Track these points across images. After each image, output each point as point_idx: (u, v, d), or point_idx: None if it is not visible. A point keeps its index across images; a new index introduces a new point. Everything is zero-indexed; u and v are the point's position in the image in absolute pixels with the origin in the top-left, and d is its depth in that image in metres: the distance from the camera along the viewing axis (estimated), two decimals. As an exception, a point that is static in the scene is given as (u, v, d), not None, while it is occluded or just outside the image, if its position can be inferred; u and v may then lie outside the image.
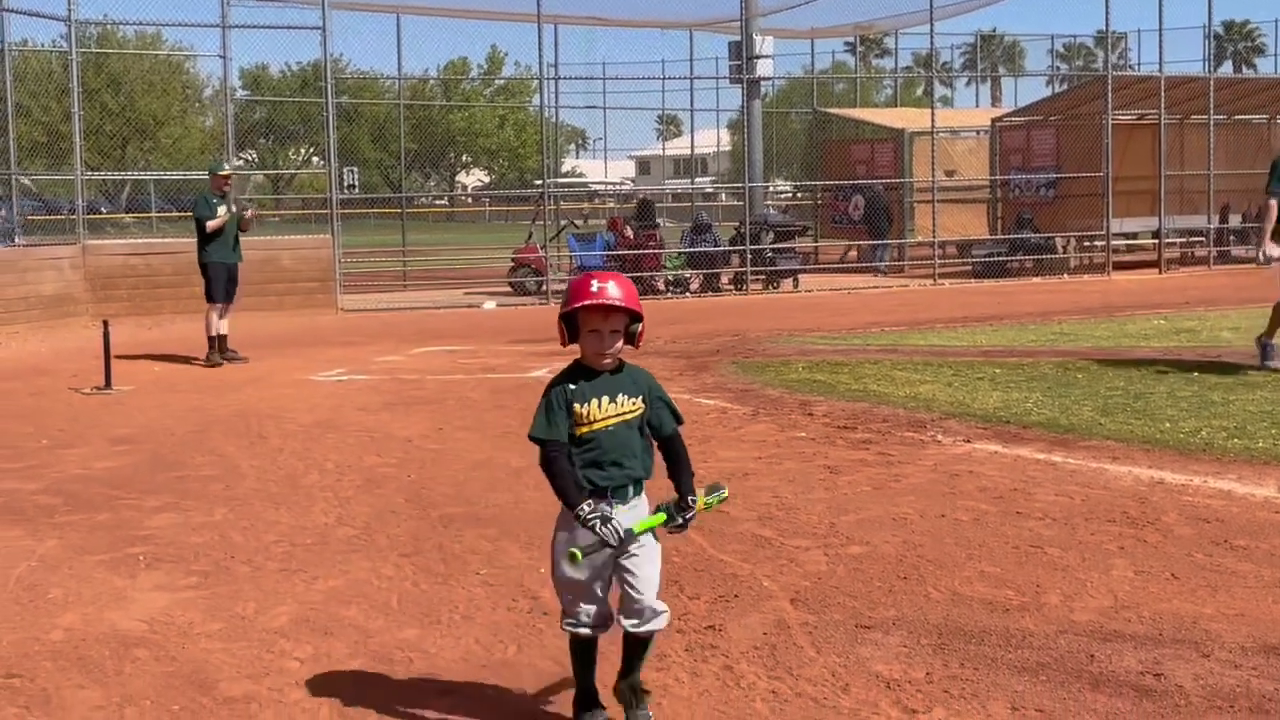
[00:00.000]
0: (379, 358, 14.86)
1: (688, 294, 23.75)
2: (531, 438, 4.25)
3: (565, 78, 25.99)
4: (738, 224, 25.05)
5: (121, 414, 11.23)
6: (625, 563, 4.28)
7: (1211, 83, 27.28)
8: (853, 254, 29.58)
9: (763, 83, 26.14)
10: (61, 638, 5.44)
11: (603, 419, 4.23)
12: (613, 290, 4.16)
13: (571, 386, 4.22)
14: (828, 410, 10.39)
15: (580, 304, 4.15)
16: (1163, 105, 26.01)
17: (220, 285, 14.74)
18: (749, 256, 24.11)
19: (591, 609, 4.29)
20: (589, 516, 4.13)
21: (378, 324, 19.38)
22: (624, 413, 4.26)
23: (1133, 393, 10.66)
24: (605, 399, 4.23)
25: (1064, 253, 27.00)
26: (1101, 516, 6.90)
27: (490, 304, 22.55)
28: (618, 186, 42.69)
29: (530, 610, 5.67)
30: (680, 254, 24.35)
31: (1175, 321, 16.52)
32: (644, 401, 4.33)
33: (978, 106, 40.62)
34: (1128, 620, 5.33)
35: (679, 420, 4.47)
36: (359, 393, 12.15)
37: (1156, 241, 27.05)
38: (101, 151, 40.09)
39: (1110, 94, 25.30)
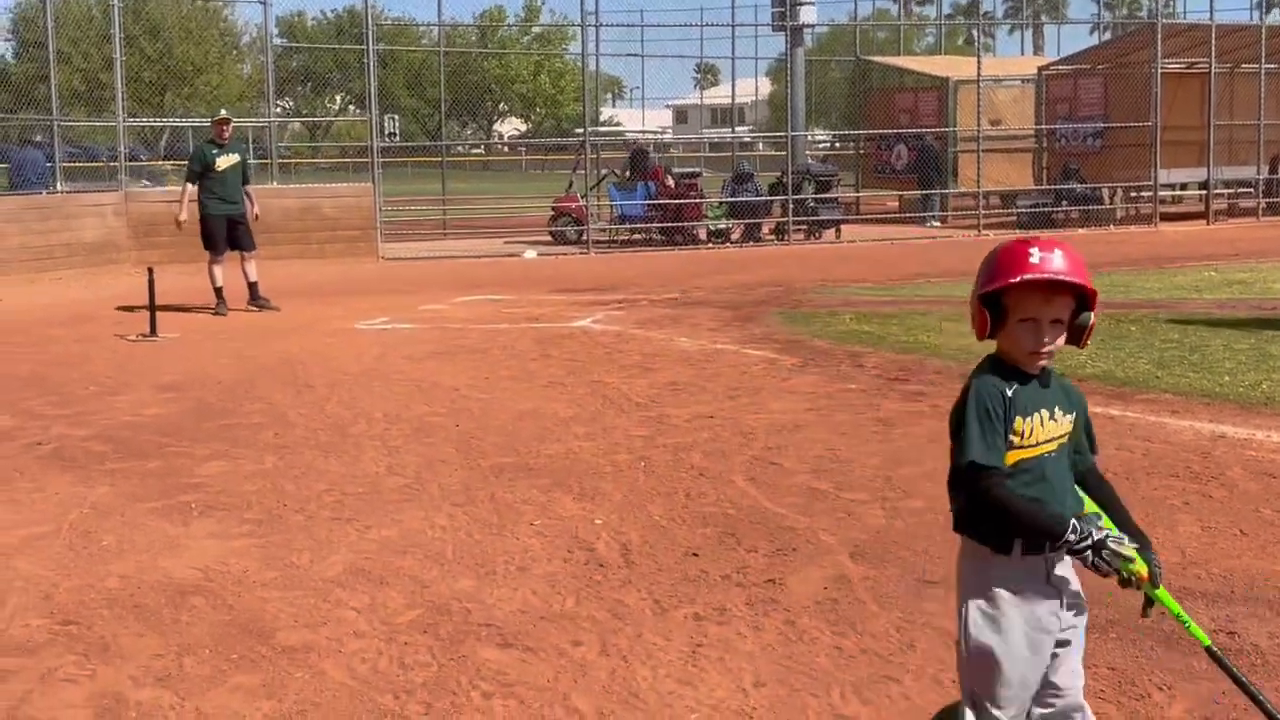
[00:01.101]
0: (422, 306, 14.80)
1: (729, 244, 23.58)
2: (970, 464, 3.02)
3: (605, 25, 25.68)
4: (779, 173, 24.82)
5: (167, 361, 11.22)
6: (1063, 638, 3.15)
7: (1264, 31, 26.78)
8: (892, 204, 29.30)
9: (805, 30, 25.82)
10: (117, 585, 5.41)
11: (1046, 441, 3.09)
12: (1059, 262, 2.97)
13: (1009, 392, 3.05)
14: (878, 362, 10.27)
15: (1015, 279, 2.97)
16: (1213, 54, 25.56)
17: (219, 238, 14.63)
18: (791, 206, 23.90)
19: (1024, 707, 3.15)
20: (1106, 544, 2.99)
21: (419, 273, 19.32)
22: (1062, 435, 3.13)
23: (1188, 345, 10.50)
24: (1046, 413, 3.09)
25: (1110, 204, 26.65)
26: (1164, 471, 6.78)
27: (531, 253, 22.45)
28: (657, 135, 42.40)
29: (587, 562, 5.60)
30: (722, 203, 24.16)
31: (1226, 274, 16.27)
32: (1074, 422, 3.18)
33: (1022, 54, 40.08)
34: (1197, 577, 5.22)
35: (1095, 449, 3.32)
36: (403, 341, 12.10)
37: (1203, 193, 26.66)
38: (140, 99, 40.09)
39: (1160, 42, 24.87)
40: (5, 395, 9.65)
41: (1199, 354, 10.07)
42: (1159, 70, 24.94)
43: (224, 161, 14.63)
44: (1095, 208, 26.14)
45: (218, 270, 14.57)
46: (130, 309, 14.15)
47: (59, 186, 19.81)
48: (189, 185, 14.70)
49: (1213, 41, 25.51)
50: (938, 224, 26.39)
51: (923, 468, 7.00)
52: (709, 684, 4.33)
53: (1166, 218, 25.96)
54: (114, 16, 20.29)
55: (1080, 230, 25.12)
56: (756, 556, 5.63)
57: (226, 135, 14.81)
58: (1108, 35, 38.97)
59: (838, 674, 4.40)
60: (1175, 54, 26.41)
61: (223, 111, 15.20)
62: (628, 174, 24.65)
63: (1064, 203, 25.98)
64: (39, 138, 21.58)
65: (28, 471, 7.36)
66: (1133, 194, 26.96)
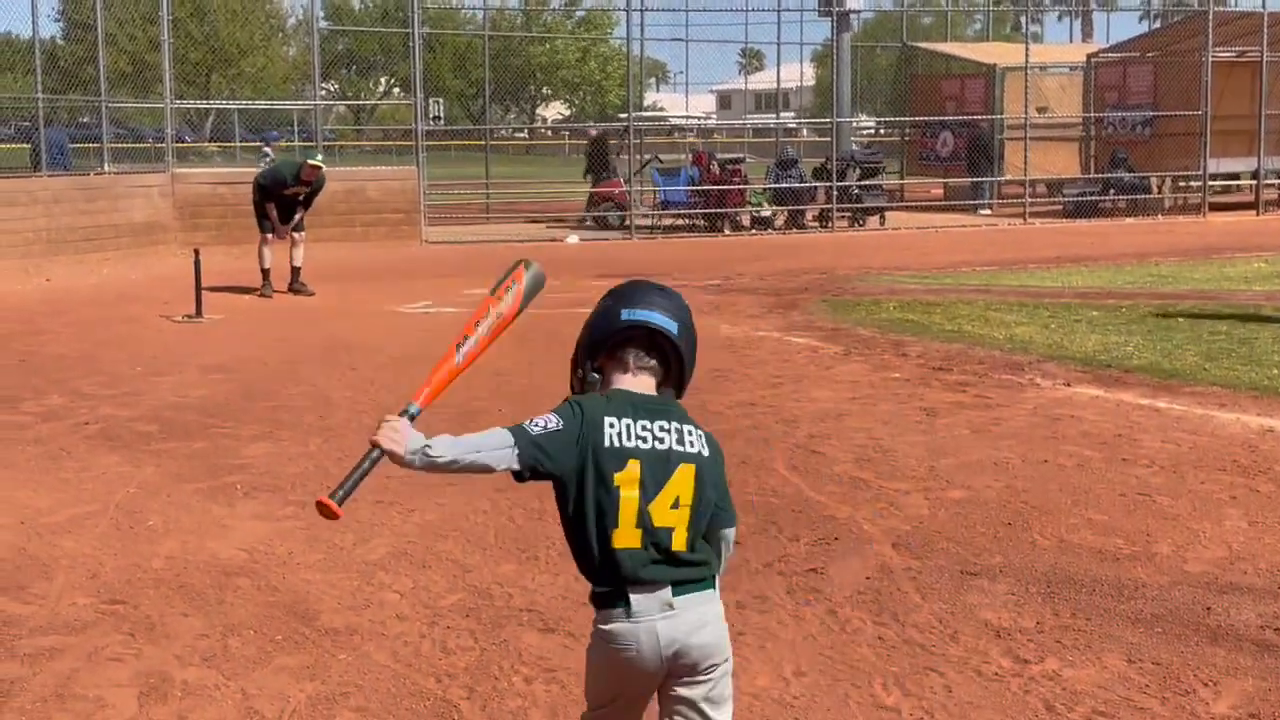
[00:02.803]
0: (465, 290, 14.80)
1: (771, 230, 23.51)
2: None
3: (650, 9, 25.62)
4: (823, 159, 24.72)
5: (213, 342, 11.30)
6: None
7: (1317, 19, 26.41)
8: (937, 192, 29.12)
9: (851, 16, 25.68)
10: (163, 565, 5.47)
11: None
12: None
13: None
14: (922, 351, 10.22)
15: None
16: (1265, 42, 25.24)
17: (271, 217, 14.71)
18: (835, 193, 23.80)
19: None
20: None
21: (462, 256, 19.36)
22: None
23: (1237, 337, 10.39)
24: None
25: (1158, 193, 26.38)
26: (1211, 465, 6.72)
27: (574, 238, 22.45)
28: (700, 121, 42.31)
29: (628, 548, 5.60)
30: (766, 189, 24.09)
31: (1276, 265, 16.08)
32: None
33: (1070, 42, 39.73)
34: (1244, 572, 5.18)
35: None
36: (447, 325, 12.11)
37: (1254, 183, 26.35)
38: (186, 80, 40.34)
39: (1211, 30, 24.58)
40: (54, 375, 9.75)
41: (1247, 346, 9.96)
42: (1210, 59, 24.66)
43: (295, 190, 14.67)
44: (1143, 197, 25.88)
45: (267, 252, 14.66)
46: (175, 290, 14.26)
47: (106, 167, 19.96)
48: (268, 205, 14.72)
49: (1264, 30, 25.17)
50: (988, 211, 26.19)
51: (966, 458, 6.97)
52: (750, 672, 4.33)
53: (1215, 208, 25.68)
54: (162, -1, 20.40)
55: (1128, 220, 24.90)
56: (798, 545, 5.62)
57: (308, 179, 14.80)
58: (1158, 23, 38.55)
59: (879, 664, 4.39)
60: (1226, 42, 26.10)
61: (319, 157, 15.24)
62: (585, 170, 24.63)
63: (1111, 191, 25.74)
64: (59, 119, 21.74)
65: (75, 451, 7.43)
66: (1181, 183, 26.67)
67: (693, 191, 23.63)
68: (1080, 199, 25.82)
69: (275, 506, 6.31)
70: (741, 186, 23.88)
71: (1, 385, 9.38)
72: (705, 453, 2.97)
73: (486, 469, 2.92)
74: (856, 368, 9.67)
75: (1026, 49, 25.88)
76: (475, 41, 33.42)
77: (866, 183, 24.42)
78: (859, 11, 26.88)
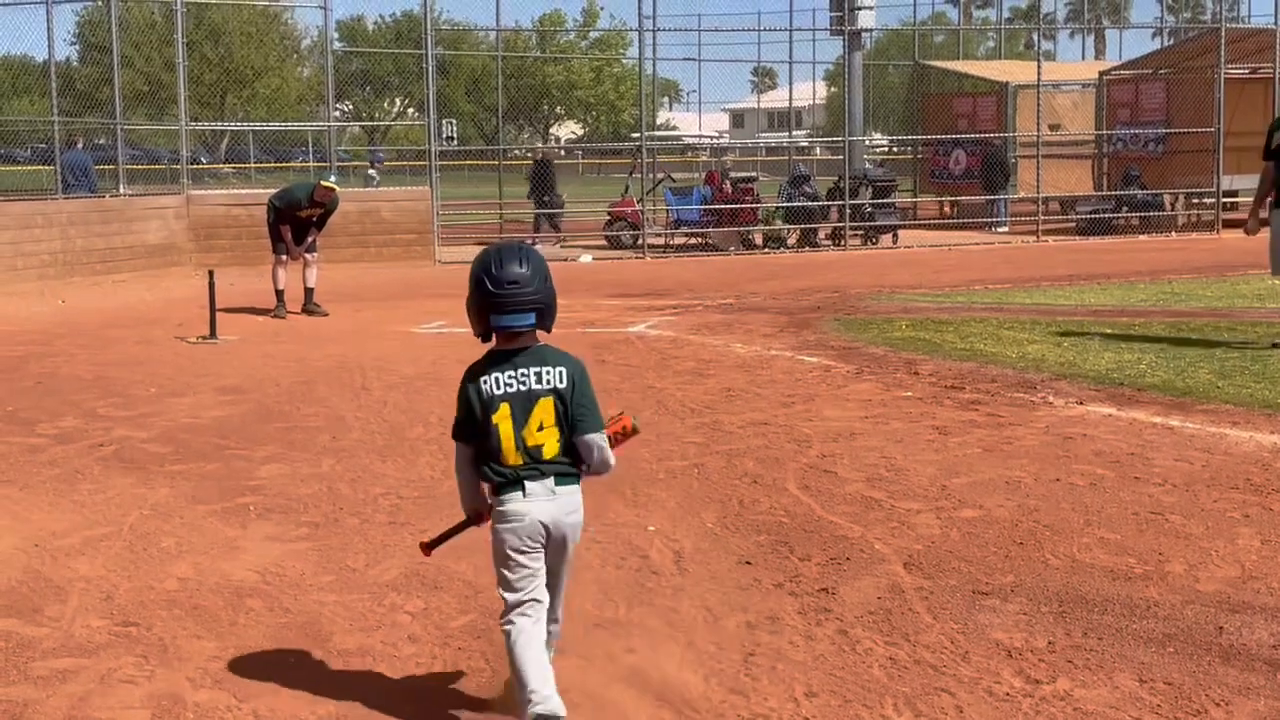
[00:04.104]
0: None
1: (784, 249, 23.53)
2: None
3: (663, 29, 25.69)
4: (836, 178, 24.74)
5: (227, 363, 11.34)
6: None
7: (1330, 36, 26.39)
8: (949, 209, 29.12)
9: (863, 34, 25.72)
10: (176, 587, 5.48)
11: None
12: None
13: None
14: (934, 369, 10.22)
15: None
16: (1278, 59, 25.22)
17: (285, 238, 14.76)
18: (848, 211, 23.81)
19: None
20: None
21: (475, 276, 19.38)
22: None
23: (1250, 355, 10.37)
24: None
25: (1171, 210, 26.34)
26: (1224, 483, 6.70)
27: (586, 257, 22.50)
28: (713, 140, 42.38)
29: (639, 569, 5.62)
30: (779, 208, 24.11)
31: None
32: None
33: (1083, 59, 39.73)
34: (1256, 591, 5.16)
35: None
36: (460, 345, 12.13)
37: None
38: (201, 101, 40.52)
39: (1224, 47, 24.58)
40: (69, 396, 9.79)
41: (1260, 364, 9.94)
42: (1222, 75, 24.65)
43: (309, 212, 14.73)
44: (1156, 214, 25.84)
45: (281, 272, 14.71)
46: (190, 311, 14.31)
47: (121, 189, 20.07)
48: (282, 228, 14.78)
49: (1278, 46, 25.17)
50: (1004, 229, 26.18)
51: (978, 477, 6.97)
52: (761, 693, 4.33)
53: (1229, 225, 25.61)
54: (177, 21, 20.54)
55: (1141, 237, 24.87)
56: (810, 565, 5.62)
57: (322, 200, 14.76)
58: (1170, 40, 38.55)
59: (891, 685, 4.38)
60: (1239, 59, 26.09)
61: (333, 179, 15.29)
62: (529, 190, 24.62)
63: (1124, 209, 25.72)
64: (79, 143, 21.84)
65: (89, 473, 7.46)
66: (1195, 200, 26.64)
67: (705, 210, 23.67)
68: (1093, 216, 25.81)
69: (288, 528, 6.33)
70: (754, 205, 23.91)
71: (17, 407, 9.43)
72: (561, 385, 3.99)
73: (469, 466, 4.11)
74: (868, 387, 9.67)
75: (1039, 66, 25.90)
76: (489, 63, 33.52)
77: (879, 201, 24.43)
78: (871, 30, 26.92)
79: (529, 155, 21.61)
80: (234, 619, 5.10)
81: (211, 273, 13.21)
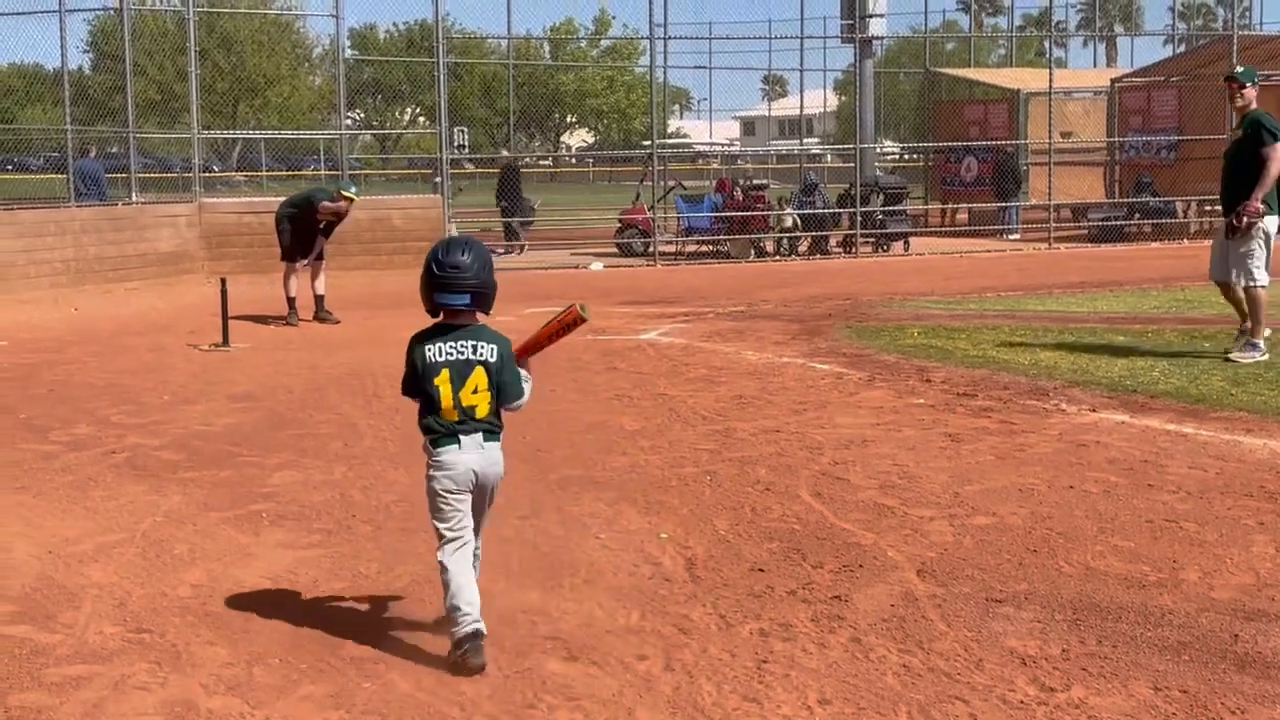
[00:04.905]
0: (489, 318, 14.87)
1: (795, 256, 23.53)
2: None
3: (674, 38, 25.73)
4: (847, 185, 24.74)
5: (239, 371, 11.36)
6: None
7: (1342, 42, 26.36)
8: (962, 217, 29.11)
9: (874, 42, 25.73)
10: (189, 594, 5.49)
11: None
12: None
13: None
14: (946, 377, 10.20)
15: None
16: (1290, 65, 25.19)
17: (294, 245, 14.78)
18: (859, 219, 23.80)
19: None
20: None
21: (486, 284, 19.39)
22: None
23: (1264, 362, 10.33)
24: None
25: (1183, 217, 26.29)
26: (1238, 490, 6.68)
27: (597, 265, 22.51)
28: (724, 147, 42.42)
29: (652, 576, 5.61)
30: (788, 215, 24.11)
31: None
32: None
33: (1094, 66, 39.70)
34: (1271, 599, 5.14)
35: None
36: (471, 352, 12.15)
37: None
38: (213, 110, 40.65)
39: (1236, 54, 24.53)
40: (82, 404, 9.82)
41: (1275, 371, 9.91)
42: (1234, 82, 24.58)
43: (323, 218, 14.72)
44: (1168, 221, 25.80)
45: (293, 280, 14.73)
46: (202, 319, 14.34)
47: (134, 197, 20.13)
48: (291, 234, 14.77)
49: (1290, 53, 25.14)
50: (1016, 236, 26.15)
51: (991, 484, 6.95)
52: (774, 700, 4.32)
53: (1242, 231, 25.54)
54: (189, 30, 20.62)
55: (1153, 244, 24.82)
56: (822, 573, 5.61)
57: (337, 208, 14.77)
58: (1182, 47, 38.50)
59: (904, 693, 4.37)
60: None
61: (353, 189, 15.29)
62: (497, 196, 24.56)
63: (1136, 216, 25.68)
64: (92, 151, 21.92)
65: (102, 480, 7.48)
66: (1207, 207, 26.58)
67: (716, 218, 23.68)
68: (1105, 223, 25.76)
69: (300, 535, 6.34)
70: (765, 212, 23.91)
71: (30, 414, 9.45)
72: (492, 359, 4.74)
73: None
74: (880, 394, 9.66)
75: (1050, 74, 25.87)
76: (500, 70, 33.61)
77: (890, 208, 24.41)
78: (882, 38, 26.92)
79: (496, 163, 21.42)
80: (247, 626, 5.10)
81: (224, 280, 13.24)
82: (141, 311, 16.14)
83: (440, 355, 4.72)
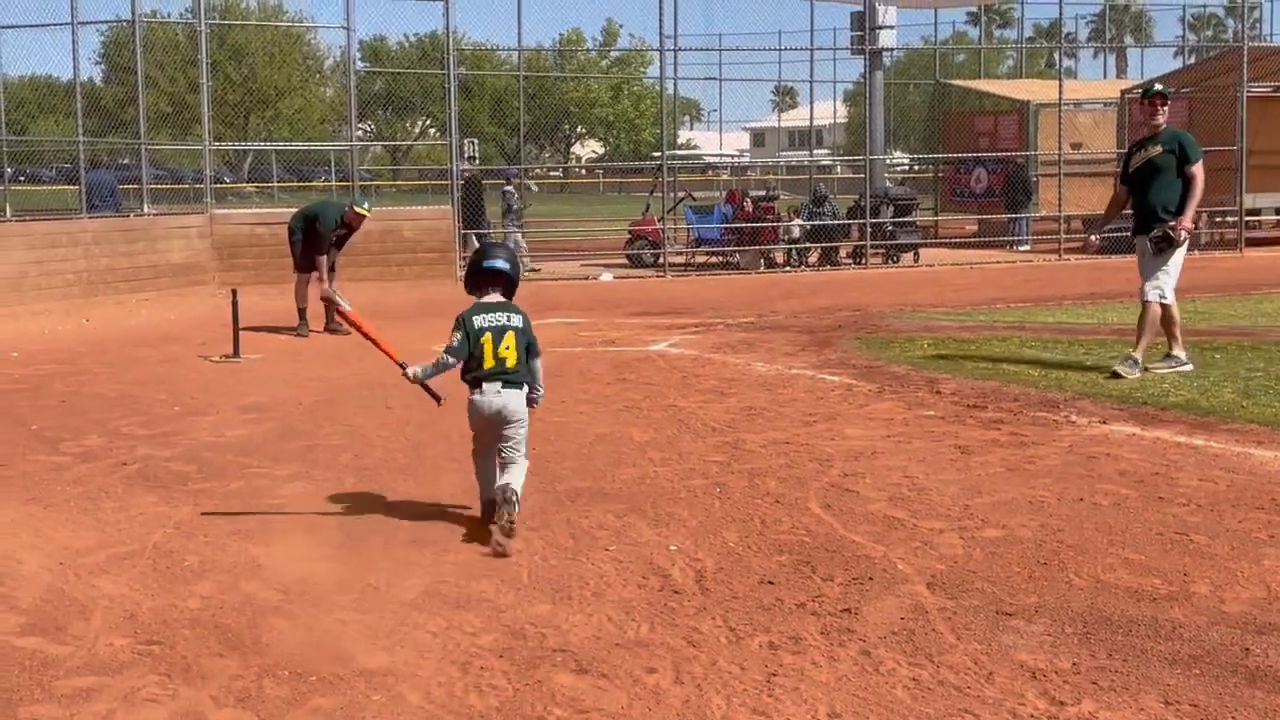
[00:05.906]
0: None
1: (805, 267, 23.53)
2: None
3: (684, 49, 25.75)
4: (857, 196, 24.75)
5: (250, 382, 11.38)
6: None
7: (1353, 53, 26.32)
8: (972, 228, 29.10)
9: (884, 54, 25.75)
10: (199, 605, 5.49)
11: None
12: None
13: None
14: (956, 388, 10.19)
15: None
16: (1300, 77, 25.17)
17: (306, 257, 14.85)
18: (869, 230, 23.80)
19: None
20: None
21: (496, 295, 19.40)
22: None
23: (1274, 374, 10.31)
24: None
25: (1195, 228, 26.20)
26: (1249, 503, 6.66)
27: (607, 276, 22.53)
28: (734, 159, 42.45)
29: (661, 589, 5.61)
30: (797, 224, 24.11)
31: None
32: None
33: (1104, 78, 39.69)
34: (1283, 613, 5.12)
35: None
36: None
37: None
38: (225, 121, 40.78)
39: (1246, 65, 24.52)
40: (94, 415, 9.84)
41: (1286, 383, 9.88)
42: (1245, 94, 24.58)
43: (337, 232, 14.77)
44: (1179, 232, 25.71)
45: (303, 291, 14.76)
46: (213, 331, 14.37)
47: (145, 209, 20.18)
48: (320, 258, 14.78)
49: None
50: (1026, 247, 26.12)
51: (1001, 496, 6.94)
52: (783, 713, 4.32)
53: (1252, 243, 25.54)
54: (201, 42, 20.67)
55: (1163, 255, 24.73)
56: (832, 585, 5.60)
57: (351, 223, 14.85)
58: (1192, 59, 38.46)
59: (914, 706, 4.36)
60: (1261, 77, 26.04)
61: (366, 205, 15.36)
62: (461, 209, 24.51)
63: (1146, 227, 25.60)
64: (104, 163, 21.97)
65: (113, 491, 7.49)
66: (1217, 219, 26.55)
67: (726, 229, 23.69)
68: (1114, 234, 25.67)
69: (311, 546, 6.34)
70: (775, 224, 23.92)
71: (41, 425, 9.48)
72: (519, 325, 6.57)
73: (450, 368, 6.60)
74: (890, 405, 9.65)
75: (1060, 85, 25.89)
76: (511, 82, 33.65)
77: (900, 219, 24.41)
78: (892, 49, 26.94)
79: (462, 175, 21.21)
80: (257, 638, 5.10)
81: (235, 291, 13.27)
82: (153, 323, 16.18)
83: (485, 323, 6.50)
